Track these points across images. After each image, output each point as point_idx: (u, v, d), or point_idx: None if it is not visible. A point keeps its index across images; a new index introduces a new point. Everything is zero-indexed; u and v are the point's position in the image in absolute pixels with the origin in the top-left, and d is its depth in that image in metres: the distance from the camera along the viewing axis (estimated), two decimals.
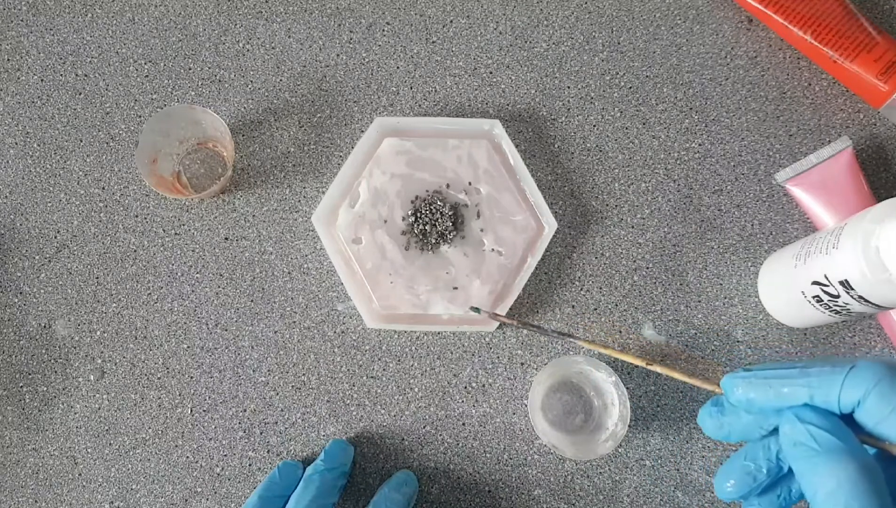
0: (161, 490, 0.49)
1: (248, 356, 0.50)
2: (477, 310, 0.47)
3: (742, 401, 0.30)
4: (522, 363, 0.50)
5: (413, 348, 0.50)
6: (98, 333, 0.51)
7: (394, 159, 0.50)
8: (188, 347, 0.50)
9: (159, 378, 0.50)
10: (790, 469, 0.30)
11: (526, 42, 0.54)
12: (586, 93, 0.53)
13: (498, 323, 0.49)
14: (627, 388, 0.48)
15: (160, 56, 0.54)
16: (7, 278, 0.52)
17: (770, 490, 0.32)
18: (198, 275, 0.51)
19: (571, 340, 0.40)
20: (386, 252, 0.49)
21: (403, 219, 0.50)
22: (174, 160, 0.52)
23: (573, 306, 0.51)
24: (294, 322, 0.51)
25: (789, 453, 0.28)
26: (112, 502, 0.49)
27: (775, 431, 0.30)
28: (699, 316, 0.50)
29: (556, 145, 0.53)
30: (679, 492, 0.48)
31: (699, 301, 0.50)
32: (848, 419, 0.28)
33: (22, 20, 0.55)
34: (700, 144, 0.52)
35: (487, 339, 0.50)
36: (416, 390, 0.50)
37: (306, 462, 0.48)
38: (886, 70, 0.49)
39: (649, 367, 0.35)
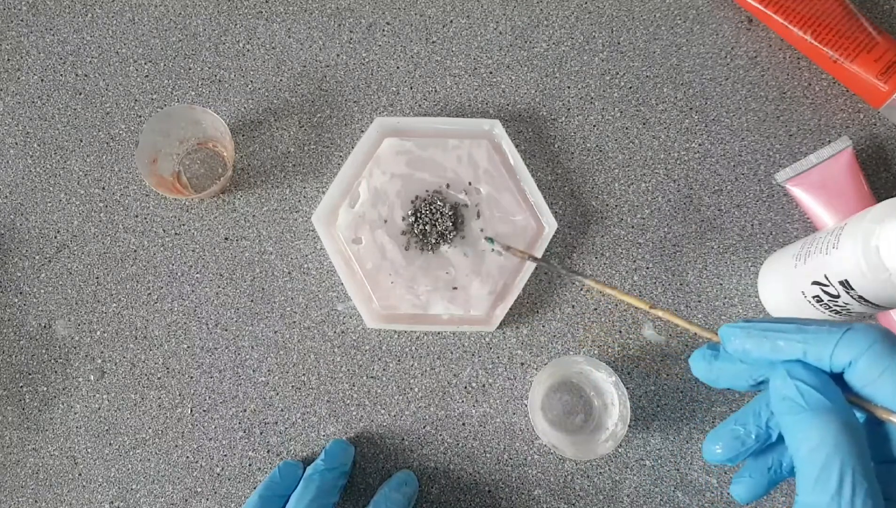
0: (161, 490, 0.49)
1: (248, 356, 0.50)
2: (491, 240, 0.46)
3: (738, 350, 0.30)
4: (522, 363, 0.50)
5: (413, 348, 0.50)
6: (98, 333, 0.51)
7: (394, 159, 0.50)
8: (188, 347, 0.51)
9: (159, 378, 0.50)
10: (779, 439, 0.30)
11: (526, 42, 0.54)
12: (586, 93, 0.53)
13: (497, 323, 0.49)
14: (627, 388, 0.48)
15: (160, 56, 0.54)
16: (7, 278, 0.52)
17: (761, 462, 0.32)
18: (198, 275, 0.51)
19: (580, 278, 0.39)
20: (386, 252, 0.49)
21: (403, 219, 0.50)
22: (174, 160, 0.52)
23: (573, 306, 0.51)
24: (294, 322, 0.51)
25: (777, 407, 0.29)
26: (112, 502, 0.49)
27: (763, 384, 0.31)
28: (699, 316, 0.50)
29: (556, 145, 0.53)
30: (679, 492, 0.48)
31: (699, 301, 0.50)
32: (838, 380, 0.28)
33: (22, 20, 0.55)
34: (700, 144, 0.52)
35: (487, 339, 0.50)
36: (416, 390, 0.50)
37: (306, 461, 0.48)
38: (886, 70, 0.49)
39: (652, 311, 0.35)
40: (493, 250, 0.46)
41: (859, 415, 0.28)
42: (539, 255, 0.49)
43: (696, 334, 0.32)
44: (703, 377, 0.32)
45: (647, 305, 0.36)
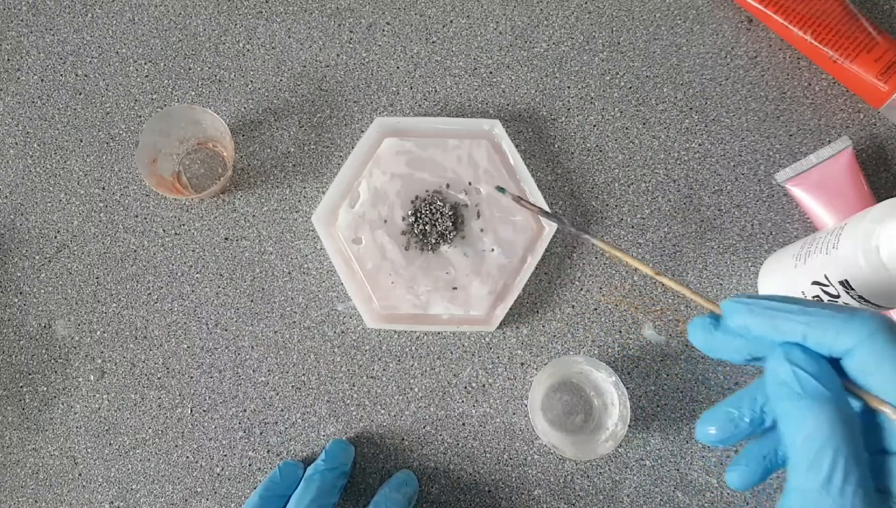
0: (161, 490, 0.49)
1: (248, 356, 0.50)
2: (502, 190, 0.45)
3: (739, 326, 0.30)
4: (522, 363, 0.50)
5: (413, 348, 0.50)
6: (98, 333, 0.51)
7: (394, 159, 0.50)
8: (188, 347, 0.51)
9: (159, 378, 0.50)
10: (774, 425, 0.30)
11: (526, 42, 0.54)
12: (586, 93, 0.53)
13: (497, 323, 0.49)
14: (627, 388, 0.48)
15: (160, 56, 0.54)
16: (7, 278, 0.52)
17: (756, 449, 0.32)
18: (198, 275, 0.51)
19: (586, 236, 0.39)
20: (386, 252, 0.49)
21: (403, 219, 0.50)
22: (174, 160, 0.52)
23: (573, 306, 0.51)
24: (294, 322, 0.51)
25: (772, 390, 0.28)
26: (112, 502, 0.49)
27: (758, 360, 0.30)
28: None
29: (556, 145, 0.53)
30: (679, 492, 0.48)
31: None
32: (836, 365, 0.28)
33: (22, 20, 0.55)
34: (700, 144, 0.52)
35: (487, 339, 0.50)
36: (416, 390, 0.50)
37: (306, 461, 0.48)
38: (886, 70, 0.49)
39: (657, 277, 0.35)
40: (503, 193, 0.45)
41: (855, 404, 0.28)
42: (539, 255, 0.49)
43: (698, 304, 0.32)
44: (699, 345, 0.32)
45: (653, 271, 0.35)
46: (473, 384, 0.50)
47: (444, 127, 0.51)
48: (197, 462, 0.49)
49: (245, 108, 0.53)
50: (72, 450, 0.50)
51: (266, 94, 0.53)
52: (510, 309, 0.50)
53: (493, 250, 0.49)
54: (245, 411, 0.50)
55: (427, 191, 0.50)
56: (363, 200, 0.50)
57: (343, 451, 0.48)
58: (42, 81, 0.54)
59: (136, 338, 0.51)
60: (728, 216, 0.51)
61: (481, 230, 0.50)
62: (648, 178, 0.52)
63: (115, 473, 0.49)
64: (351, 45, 0.54)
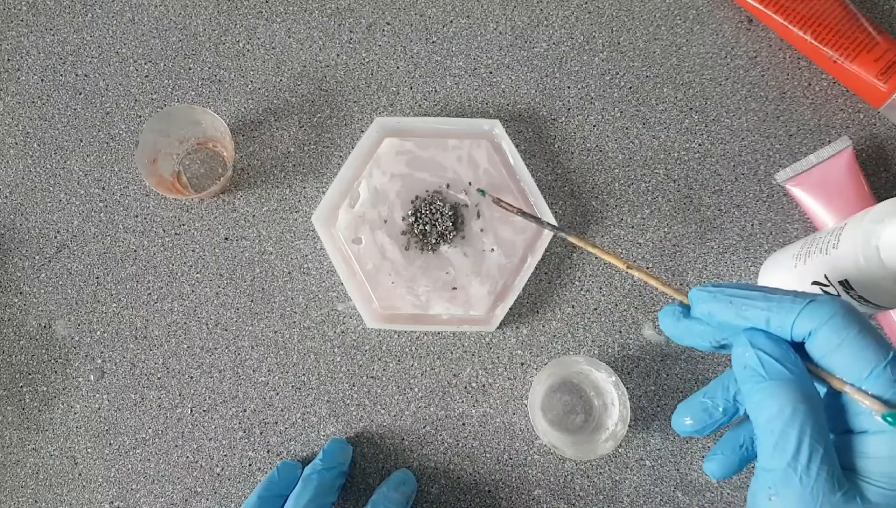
0: (161, 490, 0.49)
1: (248, 356, 0.50)
2: (482, 192, 0.46)
3: (704, 313, 0.31)
4: (522, 363, 0.50)
5: (413, 348, 0.50)
6: (98, 333, 0.51)
7: (394, 159, 0.50)
8: (188, 347, 0.51)
9: (159, 378, 0.50)
10: (747, 414, 0.31)
11: (526, 42, 0.54)
12: (586, 93, 0.53)
13: (497, 323, 0.49)
14: (627, 388, 0.48)
15: (160, 56, 0.54)
16: (7, 278, 0.52)
17: (732, 439, 0.33)
18: (198, 275, 0.51)
19: (562, 234, 0.40)
20: (386, 252, 0.49)
21: (403, 219, 0.50)
22: (174, 160, 0.52)
23: (573, 306, 0.51)
24: (294, 322, 0.51)
25: (738, 374, 0.29)
26: (112, 502, 0.49)
27: (724, 348, 0.31)
28: None
29: (556, 145, 0.53)
30: (679, 492, 0.48)
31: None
32: (800, 349, 0.29)
33: (22, 20, 0.55)
34: (700, 144, 0.52)
35: (487, 339, 0.50)
36: (416, 390, 0.50)
37: (306, 461, 0.48)
38: (886, 70, 0.49)
39: (629, 270, 0.36)
40: (483, 196, 0.46)
41: (820, 386, 0.29)
42: (539, 255, 0.49)
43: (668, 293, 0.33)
44: (668, 332, 0.32)
45: (624, 264, 0.36)
46: (473, 384, 0.50)
47: (444, 127, 0.51)
48: (197, 462, 0.49)
49: (245, 108, 0.53)
50: (72, 450, 0.50)
51: (266, 94, 0.53)
52: (510, 309, 0.50)
53: (492, 250, 0.49)
54: (245, 411, 0.50)
55: (427, 191, 0.50)
56: (363, 200, 0.50)
57: (341, 451, 0.48)
58: (42, 81, 0.54)
59: (136, 338, 0.51)
60: (728, 216, 0.51)
61: (481, 230, 0.50)
62: (648, 178, 0.52)
63: (115, 473, 0.49)
64: (351, 45, 0.54)
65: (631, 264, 0.36)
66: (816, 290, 0.42)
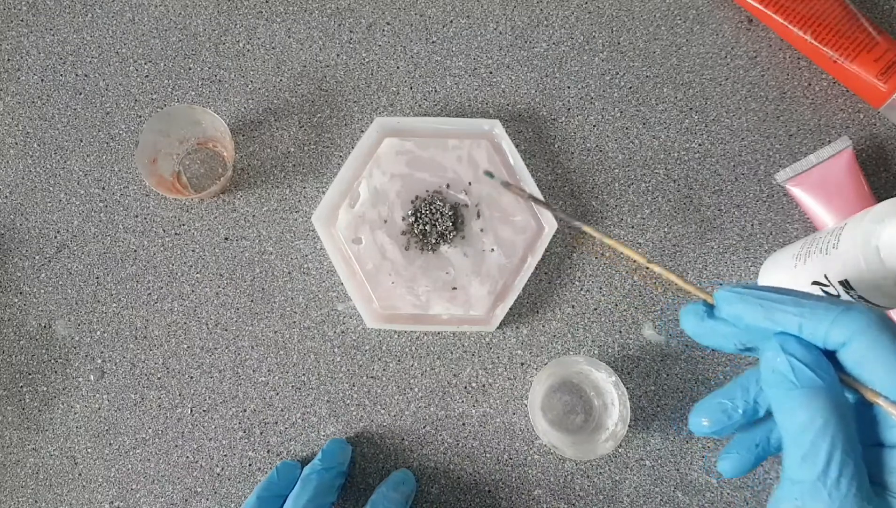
0: (161, 490, 0.49)
1: (248, 356, 0.50)
2: (490, 175, 0.44)
3: (732, 315, 0.30)
4: (522, 363, 0.50)
5: (413, 348, 0.50)
6: (98, 333, 0.51)
7: (394, 159, 0.50)
8: (188, 347, 0.51)
9: (159, 378, 0.50)
10: (767, 415, 0.30)
11: (526, 42, 0.54)
12: (586, 93, 0.53)
13: (497, 323, 0.49)
14: (627, 388, 0.48)
15: (160, 56, 0.54)
16: (7, 278, 0.52)
17: (748, 438, 0.32)
18: (198, 275, 0.51)
19: (578, 225, 0.38)
20: (386, 252, 0.49)
21: (403, 219, 0.50)
22: (174, 160, 0.52)
23: (573, 306, 0.51)
24: (294, 322, 0.51)
25: (767, 380, 0.28)
26: (112, 502, 0.49)
27: (749, 351, 0.30)
28: None
29: (556, 145, 0.53)
30: (679, 492, 0.48)
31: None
32: (831, 358, 0.28)
33: (22, 20, 0.55)
34: (700, 144, 0.52)
35: (487, 339, 0.50)
36: (416, 390, 0.50)
37: (306, 461, 0.48)
38: (886, 70, 0.49)
39: (649, 266, 0.35)
40: (491, 178, 0.44)
41: (851, 396, 0.28)
42: (539, 255, 0.49)
43: (691, 292, 0.32)
44: (691, 331, 0.31)
45: (644, 259, 0.35)
46: (473, 384, 0.50)
47: (444, 127, 0.51)
48: (197, 462, 0.49)
49: (245, 108, 0.53)
50: (72, 450, 0.50)
51: (266, 94, 0.53)
52: (510, 309, 0.50)
53: (493, 250, 0.49)
54: (245, 411, 0.50)
55: (427, 191, 0.50)
56: (363, 200, 0.50)
57: (340, 451, 0.48)
58: (42, 81, 0.54)
59: (136, 338, 0.51)
60: (728, 216, 0.51)
61: (481, 230, 0.50)
62: (648, 178, 0.52)
63: (115, 473, 0.49)
64: (351, 45, 0.54)
65: (651, 260, 0.35)
66: (816, 290, 0.42)
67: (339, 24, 0.54)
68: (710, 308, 0.31)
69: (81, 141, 0.53)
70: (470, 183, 0.50)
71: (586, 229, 0.37)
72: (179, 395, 0.50)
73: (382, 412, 0.50)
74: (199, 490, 0.49)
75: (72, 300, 0.51)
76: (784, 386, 0.27)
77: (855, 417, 0.27)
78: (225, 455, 0.50)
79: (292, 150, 0.53)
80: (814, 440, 0.26)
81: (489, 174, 0.44)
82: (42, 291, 0.51)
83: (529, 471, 0.49)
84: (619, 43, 0.54)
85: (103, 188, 0.53)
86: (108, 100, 0.54)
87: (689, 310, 0.32)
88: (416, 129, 0.51)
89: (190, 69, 0.54)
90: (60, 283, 0.51)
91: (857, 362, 0.27)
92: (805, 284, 0.43)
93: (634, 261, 0.35)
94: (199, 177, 0.53)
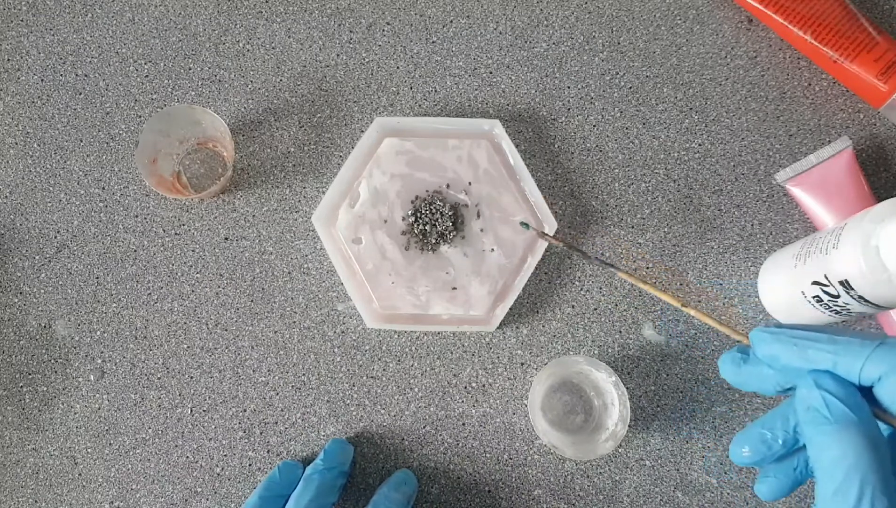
0: (161, 490, 0.49)
1: (248, 356, 0.50)
2: (526, 225, 0.46)
3: (767, 356, 0.30)
4: (522, 363, 0.50)
5: (413, 348, 0.50)
6: (98, 333, 0.51)
7: (394, 159, 0.50)
8: (188, 347, 0.51)
9: (159, 378, 0.50)
10: (805, 445, 0.30)
11: (526, 42, 0.54)
12: (586, 93, 0.53)
13: (497, 323, 0.49)
14: (627, 388, 0.48)
15: (160, 56, 0.54)
16: (7, 278, 0.52)
17: (786, 462, 0.32)
18: (198, 275, 0.51)
19: (612, 270, 0.39)
20: (386, 252, 0.49)
21: (403, 219, 0.50)
22: (174, 160, 0.52)
23: (573, 306, 0.51)
24: (294, 322, 0.51)
25: (802, 416, 0.29)
26: (112, 502, 0.49)
27: (790, 391, 0.31)
28: None
29: (556, 145, 0.53)
30: (679, 492, 0.48)
31: (699, 301, 0.50)
32: (866, 392, 0.28)
33: (22, 20, 0.55)
34: (700, 144, 0.52)
35: (487, 339, 0.50)
36: (416, 390, 0.50)
37: (306, 461, 0.48)
38: (886, 70, 0.49)
39: (684, 309, 0.35)
40: (527, 229, 0.46)
41: (886, 430, 0.29)
42: (539, 255, 0.49)
43: (726, 334, 0.33)
44: (730, 379, 0.32)
45: (679, 302, 0.36)
46: (473, 384, 0.50)
47: (444, 127, 0.51)
48: (197, 462, 0.49)
49: (245, 108, 0.53)
50: (72, 450, 0.50)
51: (266, 94, 0.53)
52: (510, 309, 0.50)
53: (492, 250, 0.49)
54: (245, 411, 0.50)
55: (427, 191, 0.50)
56: (363, 200, 0.50)
57: (342, 451, 0.48)
58: (42, 81, 0.54)
59: (136, 338, 0.51)
60: (728, 216, 0.51)
61: (481, 230, 0.50)
62: (648, 178, 0.52)
63: (115, 473, 0.49)
64: (351, 45, 0.54)
65: (686, 303, 0.36)
66: (816, 289, 0.42)
67: (339, 24, 0.54)
68: (745, 354, 0.32)
69: (81, 141, 0.53)
70: (470, 183, 0.50)
71: (621, 274, 0.38)
72: (179, 395, 0.50)
73: (382, 412, 0.50)
74: (199, 490, 0.49)
75: (72, 300, 0.51)
76: (818, 422, 0.28)
77: (890, 451, 0.27)
78: (225, 455, 0.50)
79: (292, 150, 0.53)
80: (846, 475, 0.26)
81: (525, 225, 0.46)
82: (42, 291, 0.51)
83: (529, 471, 0.49)
84: (619, 43, 0.54)
85: (103, 188, 0.53)
86: (108, 100, 0.54)
87: (726, 359, 0.32)
88: (416, 129, 0.51)
89: (190, 69, 0.54)
90: (60, 283, 0.51)
91: (893, 397, 0.27)
92: (805, 284, 0.43)
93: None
94: (199, 177, 0.53)
